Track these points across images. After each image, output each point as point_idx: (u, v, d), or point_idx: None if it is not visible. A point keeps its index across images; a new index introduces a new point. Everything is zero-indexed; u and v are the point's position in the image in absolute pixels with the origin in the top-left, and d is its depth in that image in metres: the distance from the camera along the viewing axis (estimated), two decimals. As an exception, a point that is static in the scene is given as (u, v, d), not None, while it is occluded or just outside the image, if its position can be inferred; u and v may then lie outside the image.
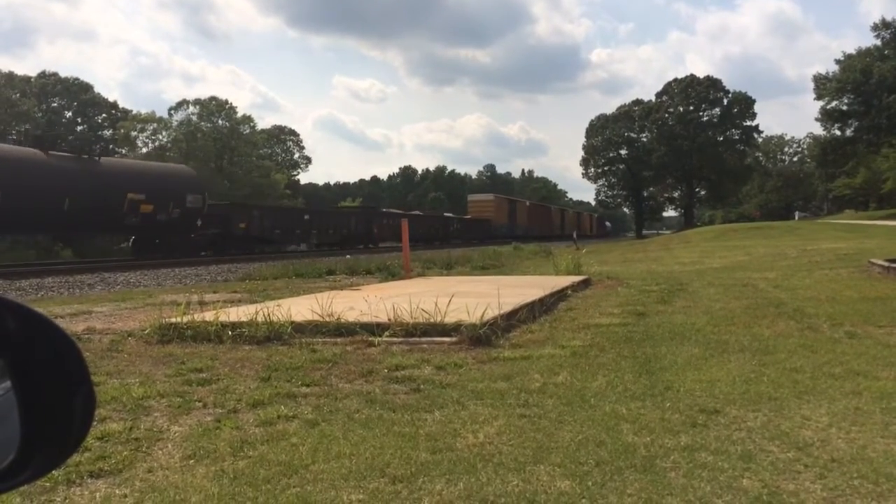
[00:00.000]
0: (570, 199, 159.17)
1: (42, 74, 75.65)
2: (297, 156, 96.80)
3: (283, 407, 3.97)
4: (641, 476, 2.87)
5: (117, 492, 2.82)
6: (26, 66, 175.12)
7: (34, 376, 0.87)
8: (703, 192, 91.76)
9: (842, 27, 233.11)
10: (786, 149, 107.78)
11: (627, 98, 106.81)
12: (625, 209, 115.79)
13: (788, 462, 3.02)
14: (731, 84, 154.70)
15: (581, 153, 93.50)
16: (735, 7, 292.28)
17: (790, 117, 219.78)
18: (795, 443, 3.26)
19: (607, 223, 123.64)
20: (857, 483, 2.79)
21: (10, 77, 70.54)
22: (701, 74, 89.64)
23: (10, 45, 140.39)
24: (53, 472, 2.58)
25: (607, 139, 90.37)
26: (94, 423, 0.87)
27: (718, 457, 3.08)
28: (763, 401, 3.99)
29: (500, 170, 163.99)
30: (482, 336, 5.86)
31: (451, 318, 6.26)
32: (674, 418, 3.67)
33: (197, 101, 71.74)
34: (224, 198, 39.66)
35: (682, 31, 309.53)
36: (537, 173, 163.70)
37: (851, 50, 71.61)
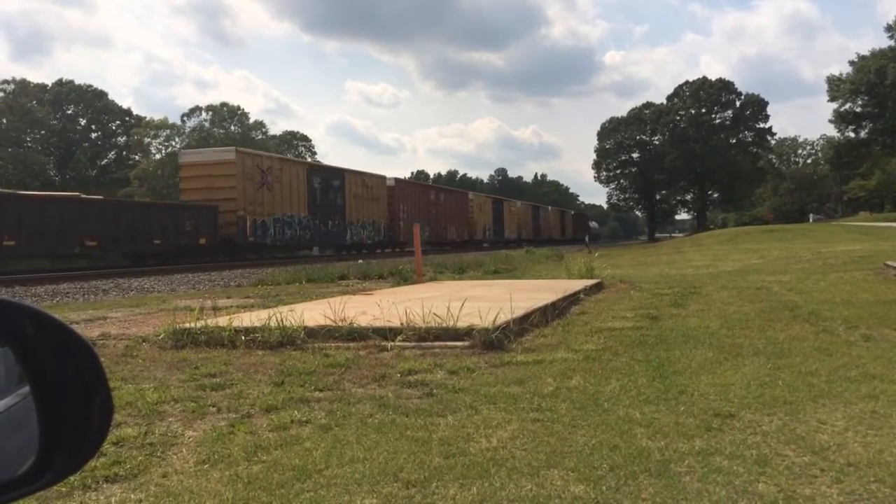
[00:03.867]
0: (582, 203, 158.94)
1: (58, 82, 76.39)
2: (394, 177, 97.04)
3: (296, 412, 3.98)
4: (656, 481, 2.86)
5: (132, 496, 2.83)
6: (43, 74, 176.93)
7: (53, 381, 0.88)
8: (715, 195, 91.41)
9: (860, 27, 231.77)
10: (799, 151, 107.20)
11: (642, 101, 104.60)
12: (637, 212, 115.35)
13: (804, 466, 3.00)
14: (746, 86, 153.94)
15: (593, 156, 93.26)
16: (752, 8, 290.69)
17: (806, 119, 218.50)
18: (811, 447, 3.23)
19: (593, 223, 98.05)
20: (875, 487, 2.76)
21: (24, 84, 71.21)
22: (717, 76, 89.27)
23: (27, 53, 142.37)
24: (70, 476, 2.60)
25: (619, 142, 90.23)
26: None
27: (733, 461, 3.06)
28: (778, 405, 3.96)
29: (512, 173, 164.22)
30: (495, 340, 5.85)
31: (463, 323, 6.26)
32: (688, 422, 3.65)
33: (209, 108, 72.19)
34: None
35: (697, 33, 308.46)
36: (550, 177, 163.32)
37: (868, 51, 71.11)
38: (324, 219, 31.89)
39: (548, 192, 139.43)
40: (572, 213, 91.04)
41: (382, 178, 38.16)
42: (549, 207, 78.76)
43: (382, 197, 37.45)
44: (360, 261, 22.42)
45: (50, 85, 75.93)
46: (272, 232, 28.17)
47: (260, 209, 27.44)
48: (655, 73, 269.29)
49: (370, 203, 36.24)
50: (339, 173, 34.63)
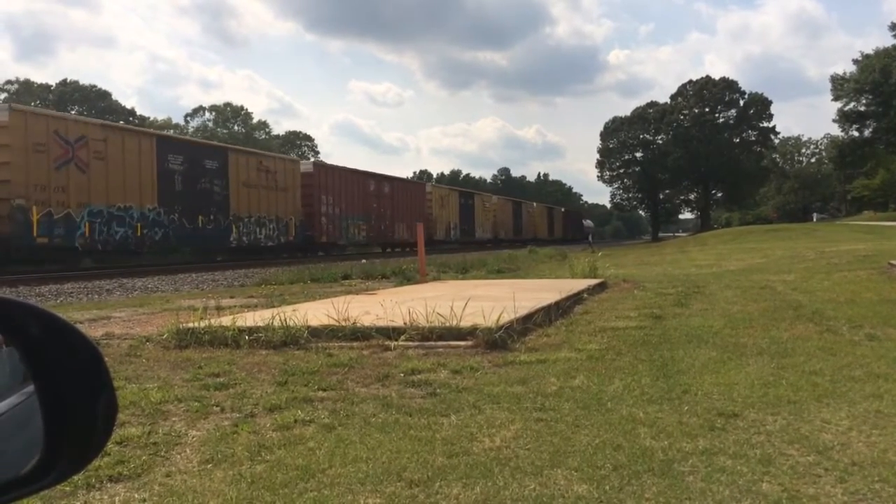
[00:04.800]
0: (586, 202, 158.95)
1: (62, 83, 76.60)
2: (312, 161, 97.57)
3: (299, 411, 3.98)
4: (659, 480, 2.86)
5: (136, 496, 2.84)
6: (47, 74, 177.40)
7: (57, 381, 0.88)
8: (719, 194, 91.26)
9: (865, 25, 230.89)
10: (803, 150, 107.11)
11: (646, 100, 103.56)
12: (640, 211, 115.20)
13: (808, 466, 2.99)
14: (751, 85, 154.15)
15: (597, 156, 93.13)
16: (757, 6, 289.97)
17: (811, 118, 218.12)
18: (815, 446, 3.23)
19: (587, 221, 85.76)
20: (879, 487, 2.76)
21: (27, 85, 71.34)
22: (721, 75, 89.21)
23: (32, 53, 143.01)
24: (74, 476, 2.61)
25: (622, 142, 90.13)
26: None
27: (737, 461, 3.05)
28: (782, 404, 3.95)
29: (516, 173, 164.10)
30: (498, 340, 5.85)
31: (466, 322, 6.26)
32: (691, 422, 3.64)
33: (213, 108, 72.29)
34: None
35: (702, 32, 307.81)
36: (554, 176, 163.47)
37: (872, 49, 70.94)
38: (189, 213, 23.20)
39: (551, 192, 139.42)
40: (562, 209, 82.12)
41: (294, 161, 30.71)
42: (535, 203, 70.63)
43: (294, 186, 28.76)
44: (364, 260, 22.44)
45: (54, 85, 76.18)
46: (84, 231, 19.33)
47: (62, 197, 18.79)
48: (660, 73, 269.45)
49: (273, 193, 27.37)
50: (218, 152, 25.57)
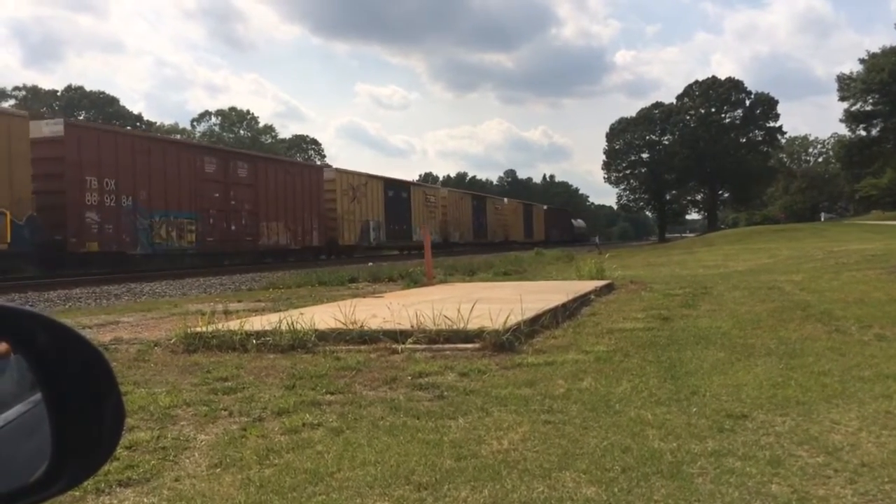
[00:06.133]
0: (592, 204, 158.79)
1: (68, 88, 76.98)
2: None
3: (307, 415, 3.99)
4: (668, 482, 2.85)
5: (145, 500, 2.85)
6: (55, 79, 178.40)
7: (65, 389, 0.88)
8: (726, 195, 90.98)
9: (874, 24, 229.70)
10: (810, 149, 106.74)
11: (653, 101, 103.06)
12: (647, 212, 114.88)
13: (818, 467, 2.98)
14: (759, 84, 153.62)
15: (603, 157, 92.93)
16: (764, 6, 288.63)
17: (819, 117, 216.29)
18: (825, 447, 3.21)
19: (578, 221, 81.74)
20: (889, 488, 2.74)
21: (35, 91, 71.72)
22: (729, 75, 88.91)
23: (40, 58, 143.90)
24: (83, 482, 2.61)
25: (628, 143, 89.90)
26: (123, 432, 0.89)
27: (746, 462, 3.04)
28: (791, 405, 3.94)
29: (522, 175, 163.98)
30: (505, 342, 5.85)
31: (473, 325, 6.25)
32: (700, 423, 3.63)
33: (219, 112, 72.52)
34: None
35: (709, 32, 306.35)
36: (561, 178, 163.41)
37: (879, 48, 70.61)
38: None
39: (558, 193, 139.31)
40: (545, 207, 70.48)
41: (15, 117, 18.10)
42: (506, 199, 59.14)
43: (11, 157, 16.99)
44: (370, 263, 22.45)
45: (61, 91, 76.57)
46: None
47: None
48: (667, 73, 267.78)
49: None
50: None
